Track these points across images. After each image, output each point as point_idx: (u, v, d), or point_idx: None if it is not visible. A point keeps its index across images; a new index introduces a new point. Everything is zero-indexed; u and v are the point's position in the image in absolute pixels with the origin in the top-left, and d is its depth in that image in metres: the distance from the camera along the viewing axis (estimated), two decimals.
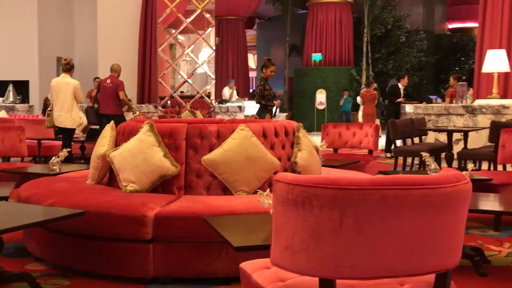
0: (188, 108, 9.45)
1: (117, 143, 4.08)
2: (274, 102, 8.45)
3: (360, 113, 14.51)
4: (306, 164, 4.02)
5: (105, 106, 8.77)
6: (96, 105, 9.51)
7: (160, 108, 11.05)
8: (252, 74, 26.65)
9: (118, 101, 8.76)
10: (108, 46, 12.51)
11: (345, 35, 18.54)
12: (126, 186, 3.73)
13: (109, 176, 4.08)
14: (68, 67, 7.76)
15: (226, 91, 15.81)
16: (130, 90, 11.10)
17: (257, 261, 2.26)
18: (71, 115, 7.77)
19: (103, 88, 8.85)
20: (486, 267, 3.63)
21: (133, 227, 3.25)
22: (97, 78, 10.94)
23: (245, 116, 11.93)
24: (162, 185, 3.75)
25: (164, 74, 10.59)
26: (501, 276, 3.50)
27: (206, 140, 3.84)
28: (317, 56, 18.76)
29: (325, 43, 18.55)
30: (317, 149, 4.38)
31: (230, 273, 3.24)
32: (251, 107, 13.74)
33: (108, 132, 4.15)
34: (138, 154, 3.75)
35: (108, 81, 8.82)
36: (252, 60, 27.20)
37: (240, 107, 12.58)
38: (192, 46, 11.41)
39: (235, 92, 15.23)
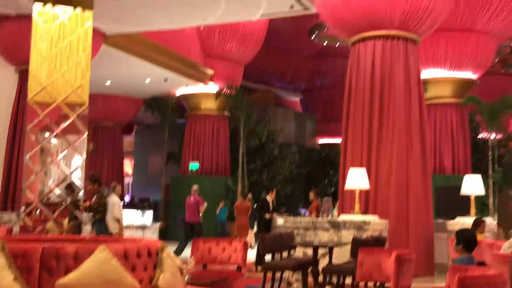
0: (53, 218, 9.01)
1: None
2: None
3: None
4: (168, 287, 3.94)
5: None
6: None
7: (24, 216, 10.41)
8: (128, 179, 26.23)
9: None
10: None
11: (222, 146, 19.12)
12: None
13: None
14: None
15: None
16: None
17: None
18: None
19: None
20: None
21: None
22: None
23: None
24: None
25: (30, 181, 10.09)
26: None
27: (62, 262, 3.65)
28: (194, 165, 19.01)
29: (203, 153, 18.95)
30: (181, 270, 4.32)
31: None
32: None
33: None
34: None
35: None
36: (128, 166, 26.89)
37: None
38: (64, 152, 11.08)
39: None
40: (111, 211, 9.74)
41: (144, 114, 21.72)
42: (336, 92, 24.02)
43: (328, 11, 11.55)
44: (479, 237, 8.39)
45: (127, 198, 23.31)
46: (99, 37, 12.73)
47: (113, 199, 9.90)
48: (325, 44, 23.97)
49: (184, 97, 19.52)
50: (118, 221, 9.87)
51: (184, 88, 18.81)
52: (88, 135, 9.71)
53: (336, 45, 23.57)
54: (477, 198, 11.09)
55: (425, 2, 10.64)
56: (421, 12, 10.71)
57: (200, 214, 13.80)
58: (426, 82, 14.93)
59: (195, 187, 14.08)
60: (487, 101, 15.97)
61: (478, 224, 8.48)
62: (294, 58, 26.52)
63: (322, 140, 27.50)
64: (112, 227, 9.75)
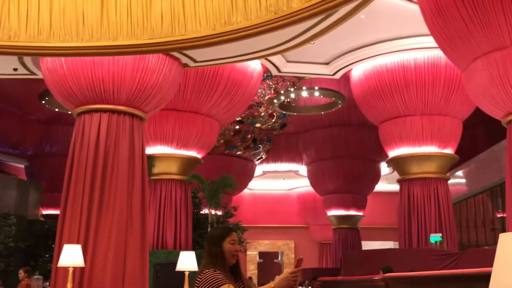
0: None
1: None
2: None
3: None
4: None
5: None
6: None
7: None
8: None
9: None
10: None
11: None
12: None
13: None
14: None
15: None
16: None
17: None
18: None
19: None
20: None
21: None
22: None
23: None
24: None
25: None
26: None
27: None
28: None
29: None
30: None
31: None
32: None
33: None
34: None
35: None
36: None
37: None
38: None
39: None
40: None
41: None
42: (65, 160, 22.93)
43: (54, 79, 11.12)
44: None
45: None
46: None
47: None
48: (56, 110, 23.00)
49: None
50: None
51: None
52: None
53: (69, 112, 22.80)
54: (194, 273, 11.46)
55: (152, 83, 11.02)
56: (147, 92, 11.04)
57: None
58: (154, 158, 15.31)
59: None
60: (210, 179, 17.01)
61: None
62: (21, 122, 24.75)
63: (47, 211, 25.78)
64: None
